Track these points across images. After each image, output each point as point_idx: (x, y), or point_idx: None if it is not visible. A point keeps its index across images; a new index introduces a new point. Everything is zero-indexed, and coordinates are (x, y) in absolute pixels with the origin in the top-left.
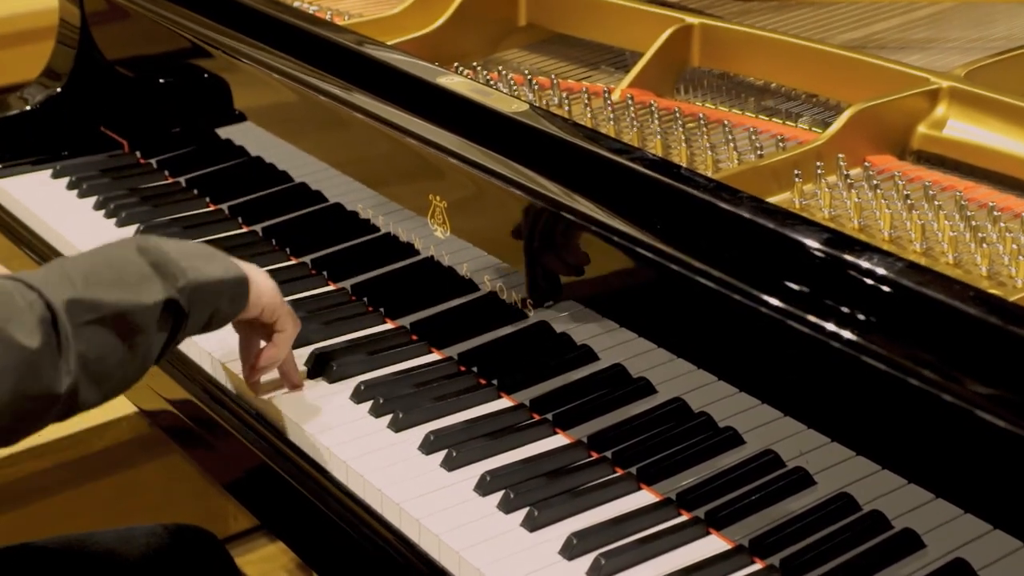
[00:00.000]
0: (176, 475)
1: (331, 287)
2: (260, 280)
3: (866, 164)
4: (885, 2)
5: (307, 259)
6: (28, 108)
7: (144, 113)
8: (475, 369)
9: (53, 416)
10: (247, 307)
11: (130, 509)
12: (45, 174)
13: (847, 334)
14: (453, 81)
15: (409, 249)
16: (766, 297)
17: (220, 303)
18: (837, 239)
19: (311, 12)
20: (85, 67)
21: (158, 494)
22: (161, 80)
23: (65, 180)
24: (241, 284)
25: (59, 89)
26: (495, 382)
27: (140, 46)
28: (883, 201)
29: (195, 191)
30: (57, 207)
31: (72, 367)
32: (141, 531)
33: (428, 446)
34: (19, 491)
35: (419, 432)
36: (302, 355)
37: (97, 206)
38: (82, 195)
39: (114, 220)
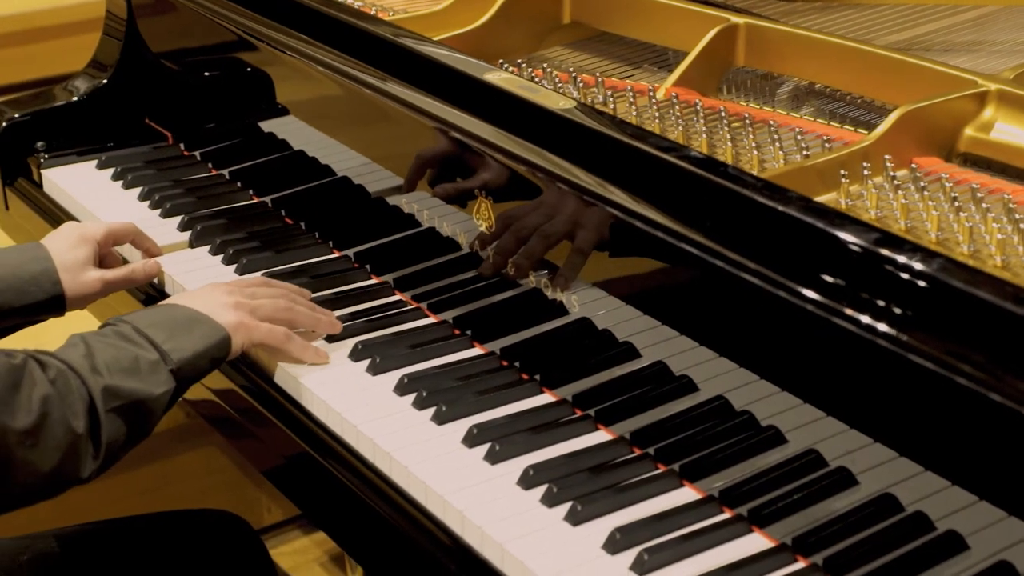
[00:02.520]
0: (212, 466)
1: (374, 281)
2: (238, 323)
3: (913, 166)
4: (930, 4)
5: (350, 252)
6: (74, 99)
7: (188, 106)
8: (518, 364)
9: (56, 495)
10: (232, 354)
11: (166, 498)
12: (90, 164)
13: (892, 332)
14: (500, 77)
15: (452, 244)
16: (811, 294)
17: (204, 366)
18: (884, 238)
19: (356, 7)
20: (131, 59)
21: (194, 484)
22: (205, 73)
23: (110, 171)
24: (223, 343)
25: (105, 81)
26: (537, 377)
27: (185, 39)
28: (930, 203)
29: (238, 184)
30: (102, 197)
31: (101, 453)
32: (177, 517)
33: (471, 439)
34: None
35: (462, 425)
36: (346, 347)
37: (142, 197)
38: (127, 186)
39: (159, 211)
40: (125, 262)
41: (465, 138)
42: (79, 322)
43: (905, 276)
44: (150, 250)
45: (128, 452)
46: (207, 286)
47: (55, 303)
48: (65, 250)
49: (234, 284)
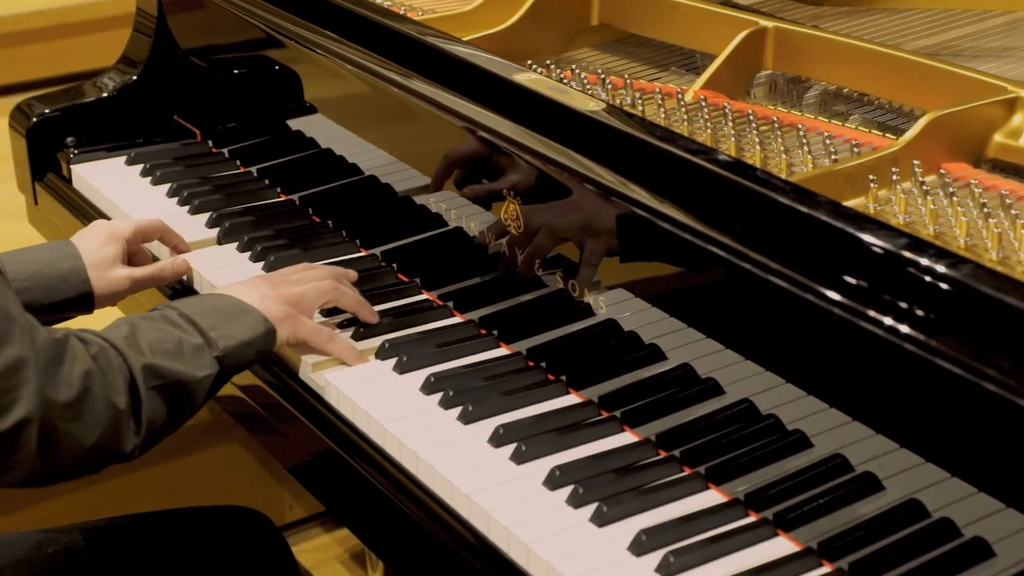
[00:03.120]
0: (235, 462)
1: (401, 280)
2: (284, 316)
3: (942, 171)
4: (958, 9)
5: (377, 251)
6: (104, 95)
7: (217, 103)
8: (544, 365)
9: (101, 468)
10: (276, 346)
11: (189, 493)
12: (119, 160)
13: (920, 336)
14: (530, 78)
15: (479, 244)
16: (838, 298)
17: (250, 356)
18: (911, 243)
19: (385, 6)
20: (160, 56)
21: (217, 480)
22: (234, 70)
23: (139, 167)
24: (268, 335)
25: (134, 77)
26: (564, 378)
27: (214, 36)
28: (959, 209)
29: (266, 181)
30: (131, 193)
31: (142, 429)
32: (200, 513)
33: (497, 439)
34: None
35: (488, 425)
36: (372, 345)
37: (170, 193)
38: (156, 182)
39: (187, 208)
40: (155, 258)
41: (494, 138)
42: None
43: (932, 280)
44: (178, 246)
45: (170, 432)
46: (254, 278)
47: (84, 301)
48: (94, 248)
49: (280, 275)
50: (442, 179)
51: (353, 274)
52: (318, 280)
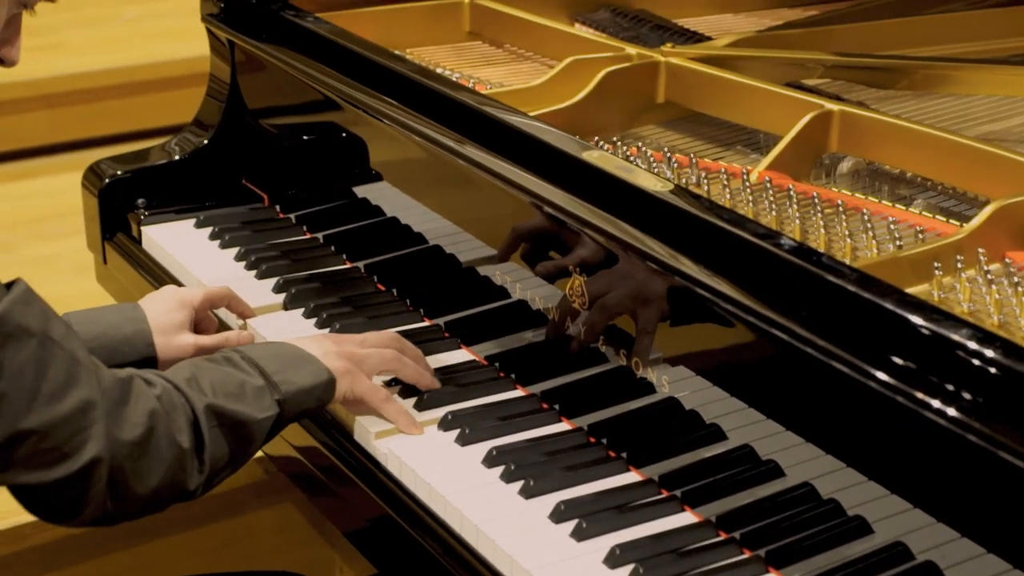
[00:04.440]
0: (287, 524)
1: (464, 351)
2: (344, 370)
3: (1007, 260)
4: (1021, 96)
5: (440, 321)
6: (175, 158)
7: (284, 168)
8: (605, 441)
9: (167, 507)
10: (335, 399)
11: (240, 554)
12: (189, 223)
13: (981, 427)
14: (598, 156)
15: (542, 318)
16: (905, 387)
17: (310, 404)
18: (978, 335)
19: (454, 79)
20: (231, 122)
21: (268, 540)
22: (302, 136)
23: (208, 230)
24: (329, 386)
25: (205, 141)
26: (624, 455)
27: (281, 99)
28: None
29: (332, 248)
30: (200, 256)
31: (206, 468)
32: None
33: (558, 515)
34: (135, 529)
35: (550, 500)
36: (435, 416)
37: (238, 257)
38: (224, 246)
39: (254, 272)
40: (221, 325)
41: (562, 214)
42: None
43: (999, 373)
44: (244, 313)
45: (231, 472)
46: (318, 335)
47: (147, 364)
48: (162, 313)
49: (344, 336)
50: (508, 251)
51: (418, 352)
52: (382, 346)
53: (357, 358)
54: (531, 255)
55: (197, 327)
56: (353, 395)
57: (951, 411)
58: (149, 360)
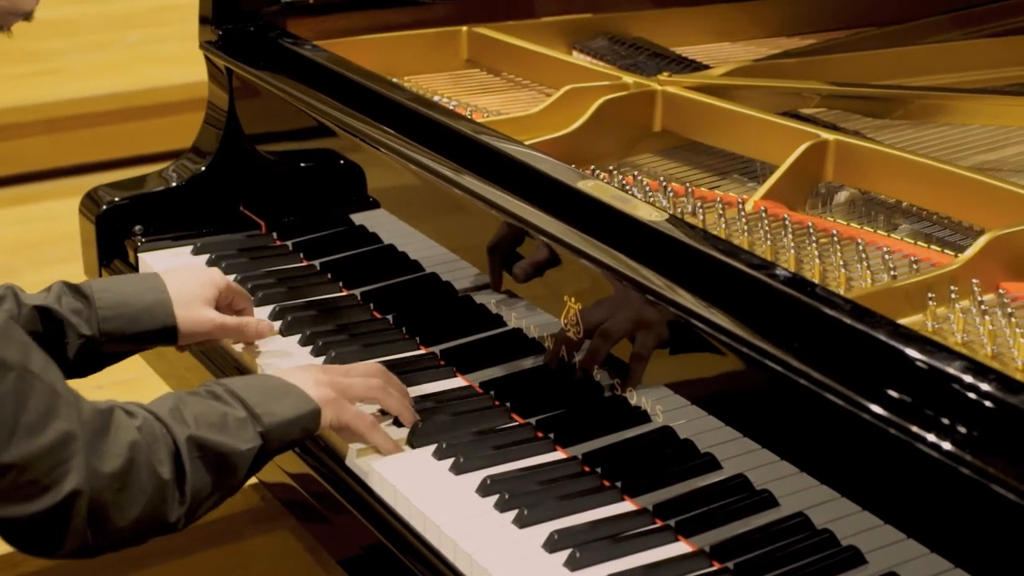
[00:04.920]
0: (284, 550)
1: (459, 379)
2: (329, 399)
3: (1000, 291)
4: (1016, 126)
5: (436, 349)
6: (172, 185)
7: (281, 195)
8: (599, 470)
9: (148, 539)
10: (321, 428)
11: None
12: (185, 250)
13: (982, 465)
14: (593, 185)
15: (537, 346)
16: (898, 419)
17: (295, 434)
18: (972, 367)
19: (452, 107)
20: (228, 149)
21: (266, 567)
22: (299, 163)
23: (204, 257)
24: (313, 415)
25: (203, 168)
26: (618, 484)
27: (278, 125)
28: (1018, 330)
29: (329, 275)
30: None
31: (187, 500)
32: None
33: (552, 544)
34: (132, 556)
35: (544, 530)
36: (430, 444)
37: None
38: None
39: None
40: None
41: (557, 244)
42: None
43: (993, 406)
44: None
45: (215, 505)
46: (304, 365)
47: (167, 334)
48: (186, 285)
49: (330, 366)
50: (501, 279)
51: (402, 386)
52: (367, 376)
53: (341, 386)
54: (527, 284)
55: (223, 311)
56: (339, 423)
57: (945, 444)
58: (169, 330)
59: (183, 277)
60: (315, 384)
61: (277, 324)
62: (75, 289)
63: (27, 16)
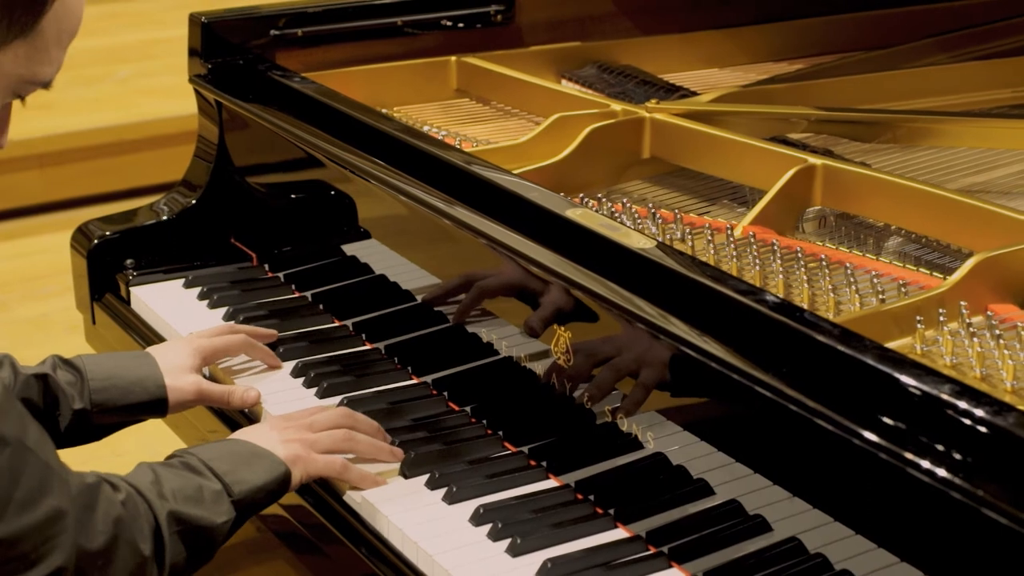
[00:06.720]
0: None
1: (451, 408)
2: (298, 457)
3: (989, 313)
4: (1002, 148)
5: (428, 379)
6: (163, 218)
7: (272, 227)
8: (592, 498)
9: None
10: (291, 487)
11: None
12: (177, 283)
13: (970, 487)
14: (581, 214)
15: (529, 375)
16: (889, 444)
17: (264, 499)
18: (962, 391)
19: (440, 137)
20: (219, 181)
21: None
22: (290, 195)
23: (196, 290)
24: (283, 478)
25: (193, 201)
26: (612, 511)
27: (268, 156)
28: (1006, 351)
29: (321, 306)
30: (188, 316)
31: (165, 572)
32: None
33: (546, 573)
34: None
35: (537, 558)
36: (424, 474)
37: (227, 317)
38: (212, 305)
39: None
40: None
41: (546, 273)
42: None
43: (985, 430)
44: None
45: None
46: (268, 420)
47: (157, 405)
48: (173, 356)
49: (293, 417)
50: (493, 309)
51: (372, 424)
52: (332, 426)
53: (309, 442)
54: (518, 313)
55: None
56: (310, 478)
57: (936, 469)
58: (160, 401)
59: (170, 347)
60: (282, 443)
61: None
62: (67, 362)
63: (46, 85)
